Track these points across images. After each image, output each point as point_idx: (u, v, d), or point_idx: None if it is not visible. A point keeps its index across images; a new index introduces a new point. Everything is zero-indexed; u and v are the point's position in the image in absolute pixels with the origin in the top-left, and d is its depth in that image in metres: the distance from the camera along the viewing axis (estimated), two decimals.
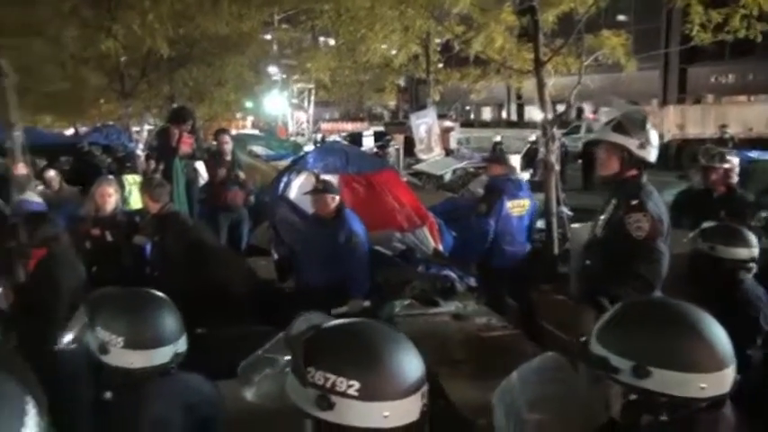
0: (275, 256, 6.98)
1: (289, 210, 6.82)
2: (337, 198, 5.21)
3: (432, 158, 11.51)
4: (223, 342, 3.95)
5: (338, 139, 26.82)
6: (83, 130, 19.83)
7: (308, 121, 34.17)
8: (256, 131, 28.30)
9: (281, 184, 7.14)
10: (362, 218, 7.20)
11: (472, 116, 39.88)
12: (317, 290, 4.94)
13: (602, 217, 3.24)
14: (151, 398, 1.85)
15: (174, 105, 10.33)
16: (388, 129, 28.20)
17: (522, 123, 34.01)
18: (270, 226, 7.08)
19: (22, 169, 5.68)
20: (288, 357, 1.37)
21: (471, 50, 9.39)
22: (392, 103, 40.77)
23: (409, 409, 1.25)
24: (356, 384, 1.21)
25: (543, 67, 8.10)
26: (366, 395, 1.22)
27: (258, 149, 14.98)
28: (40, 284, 4.09)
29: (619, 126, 3.10)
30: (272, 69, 27.06)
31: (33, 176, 5.91)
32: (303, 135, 31.18)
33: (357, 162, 7.51)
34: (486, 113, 41.19)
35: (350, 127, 40.47)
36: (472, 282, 6.28)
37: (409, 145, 13.27)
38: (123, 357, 1.85)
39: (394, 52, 13.08)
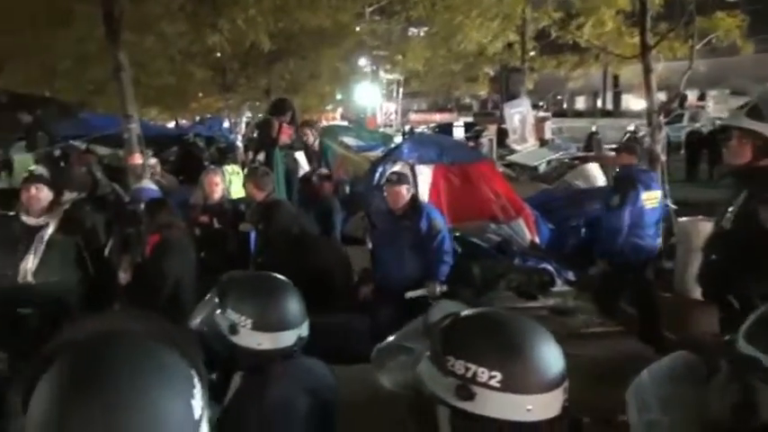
0: (369, 246, 7.06)
1: (383, 200, 6.87)
2: (411, 190, 5.09)
3: (525, 149, 11.23)
4: (324, 329, 4.03)
5: (426, 130, 26.87)
6: (182, 122, 20.87)
7: (396, 112, 34.40)
8: (345, 123, 28.74)
9: (377, 175, 7.18)
10: (457, 208, 7.19)
11: (565, 105, 38.65)
12: (398, 281, 4.89)
13: (731, 209, 2.99)
14: (276, 379, 1.89)
15: (273, 98, 10.62)
16: (478, 119, 27.86)
17: (618, 113, 32.61)
18: (364, 216, 7.14)
19: (137, 159, 6.04)
20: (421, 345, 1.35)
21: (578, 36, 9.03)
22: (482, 93, 40.21)
23: (552, 403, 1.20)
24: (498, 375, 1.17)
25: (650, 52, 7.68)
26: (509, 387, 1.17)
27: (349, 140, 15.09)
28: (150, 268, 4.35)
29: (754, 111, 2.84)
30: (362, 61, 27.38)
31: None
32: (391, 126, 31.39)
33: (452, 153, 7.46)
34: (580, 103, 39.78)
35: (438, 118, 40.34)
36: (570, 276, 6.09)
37: (501, 135, 13.06)
38: (252, 338, 1.90)
39: (489, 40, 12.80)
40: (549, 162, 10.82)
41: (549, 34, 11.98)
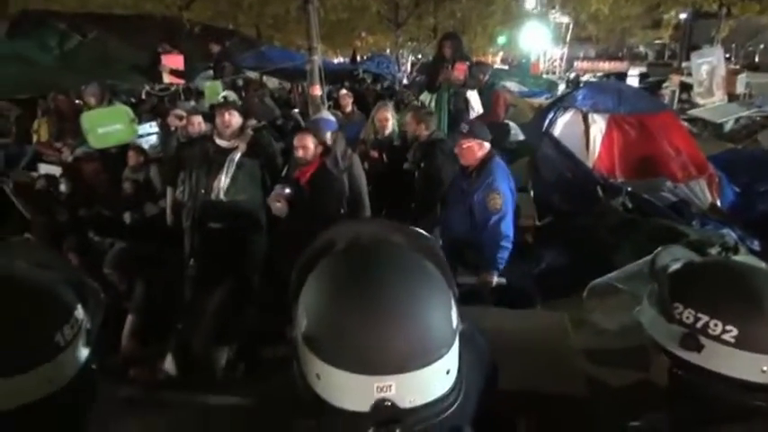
0: (531, 193, 6.89)
1: (552, 146, 6.63)
2: (487, 145, 4.13)
3: (711, 104, 10.18)
4: None
5: (593, 79, 25.25)
6: (339, 60, 21.23)
7: (561, 59, 32.59)
8: (506, 67, 27.76)
9: (546, 121, 6.95)
10: (631, 162, 6.76)
11: (757, 59, 34.34)
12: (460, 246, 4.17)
13: None
14: None
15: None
16: (652, 70, 25.64)
17: None
18: (529, 162, 6.95)
19: (317, 90, 6.31)
20: (642, 288, 1.29)
21: None
22: (657, 42, 36.89)
23: None
24: (734, 330, 1.10)
25: None
26: (744, 344, 1.10)
27: (512, 85, 14.70)
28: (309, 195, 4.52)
29: None
30: (531, 2, 26.06)
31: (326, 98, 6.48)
32: (554, 73, 29.89)
33: (631, 102, 6.95)
34: None
35: (607, 66, 37.69)
36: (756, 245, 5.53)
37: (684, 88, 11.91)
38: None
39: None
40: (737, 120, 9.75)
41: None
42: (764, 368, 1.09)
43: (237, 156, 4.63)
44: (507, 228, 4.07)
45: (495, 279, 4.00)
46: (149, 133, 7.90)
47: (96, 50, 8.64)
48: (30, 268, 1.09)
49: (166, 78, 8.02)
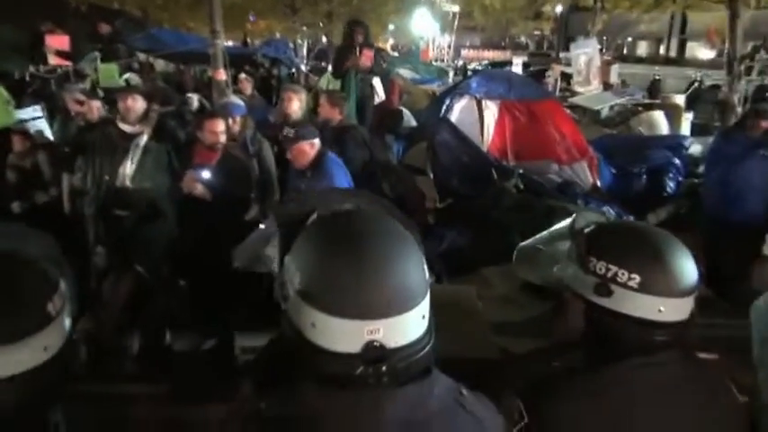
0: (431, 176, 7.20)
1: (449, 132, 6.94)
2: (317, 144, 4.13)
3: (589, 92, 11.02)
4: None
5: (478, 68, 26.25)
6: (228, 44, 20.61)
7: (449, 47, 33.58)
8: (396, 54, 28.22)
9: (443, 107, 7.25)
10: (521, 146, 7.23)
11: (625, 51, 37.16)
12: None
13: None
14: None
15: (341, 23, 10.54)
16: (532, 60, 27.06)
17: (683, 61, 31.25)
18: (428, 147, 7.23)
19: (222, 75, 6.23)
20: (561, 247, 1.52)
21: None
22: (537, 33, 38.89)
23: (682, 308, 1.36)
24: (637, 278, 1.33)
25: None
26: (645, 288, 1.33)
27: (405, 72, 15.01)
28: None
29: None
30: None
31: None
32: (443, 61, 30.76)
33: (520, 89, 7.41)
34: (642, 48, 38.15)
35: (491, 55, 39.31)
36: (632, 220, 6.14)
37: (565, 77, 12.79)
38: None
39: None
40: (612, 107, 10.63)
41: None
42: (661, 308, 1.34)
43: (143, 141, 4.53)
44: None
45: None
46: (34, 117, 7.42)
47: None
48: (12, 244, 1.13)
49: (52, 60, 7.55)
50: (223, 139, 4.38)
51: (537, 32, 37.12)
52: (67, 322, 1.13)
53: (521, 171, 6.49)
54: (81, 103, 5.01)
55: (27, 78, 9.33)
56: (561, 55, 23.02)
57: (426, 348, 1.04)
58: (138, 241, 4.44)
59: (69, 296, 1.17)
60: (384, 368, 0.98)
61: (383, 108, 7.42)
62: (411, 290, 1.02)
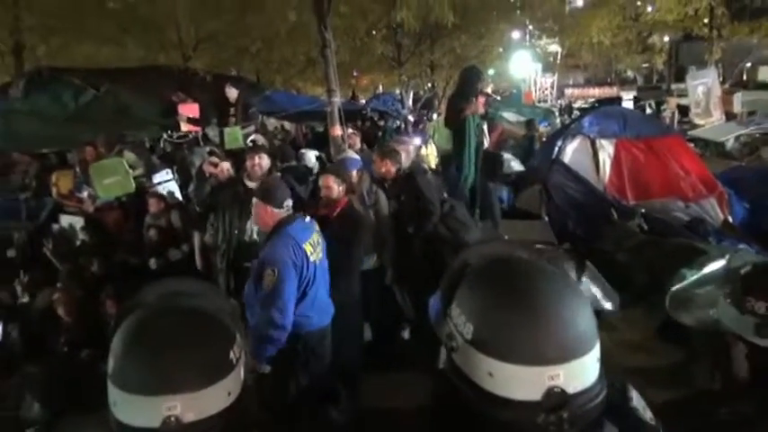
0: (546, 218, 7.04)
1: (563, 173, 6.81)
2: (274, 211, 3.72)
3: (710, 123, 10.43)
4: None
5: (585, 106, 25.60)
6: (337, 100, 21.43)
7: (551, 87, 33.13)
8: (498, 97, 28.14)
9: (555, 148, 7.13)
10: (641, 185, 6.93)
11: (744, 77, 34.98)
12: None
13: None
14: None
15: (450, 71, 10.66)
16: (642, 94, 26.10)
17: None
18: (541, 189, 7.11)
19: (338, 131, 6.50)
20: (716, 289, 1.45)
21: None
22: (645, 66, 37.54)
23: None
24: None
25: None
26: None
27: (509, 116, 14.95)
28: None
29: None
30: (517, 33, 26.51)
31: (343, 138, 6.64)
32: (546, 101, 30.36)
33: (637, 126, 7.18)
34: (764, 74, 35.75)
35: (597, 92, 38.28)
36: None
37: (682, 109, 12.20)
38: None
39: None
40: (737, 137, 9.99)
41: None
42: None
43: None
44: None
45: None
46: (166, 180, 8.06)
47: (110, 103, 8.82)
48: (196, 299, 1.24)
49: (184, 127, 8.23)
50: (334, 193, 4.50)
51: (645, 65, 35.81)
52: (243, 371, 1.19)
53: (643, 210, 6.22)
54: (215, 165, 5.41)
55: (161, 144, 10.22)
56: (673, 87, 22.07)
57: (602, 395, 1.01)
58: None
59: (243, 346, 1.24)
60: (565, 415, 0.96)
61: (485, 153, 7.39)
62: (586, 332, 1.00)
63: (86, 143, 7.71)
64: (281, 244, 3.58)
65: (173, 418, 1.06)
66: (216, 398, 1.11)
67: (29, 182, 9.09)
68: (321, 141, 9.68)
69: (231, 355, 1.15)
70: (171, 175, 8.21)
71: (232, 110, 7.88)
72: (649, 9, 12.98)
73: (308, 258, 3.63)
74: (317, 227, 3.86)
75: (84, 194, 7.33)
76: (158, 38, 11.41)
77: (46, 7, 11.15)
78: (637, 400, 1.13)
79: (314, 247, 3.72)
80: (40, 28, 11.68)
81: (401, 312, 5.40)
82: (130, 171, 7.23)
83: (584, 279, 4.78)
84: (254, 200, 3.85)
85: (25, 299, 6.05)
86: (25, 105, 8.56)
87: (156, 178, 7.93)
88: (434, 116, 15.17)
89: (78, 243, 7.05)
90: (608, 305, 4.74)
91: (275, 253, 3.55)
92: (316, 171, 6.74)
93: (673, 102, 12.85)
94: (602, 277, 4.90)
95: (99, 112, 8.75)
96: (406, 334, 5.49)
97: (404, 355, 5.07)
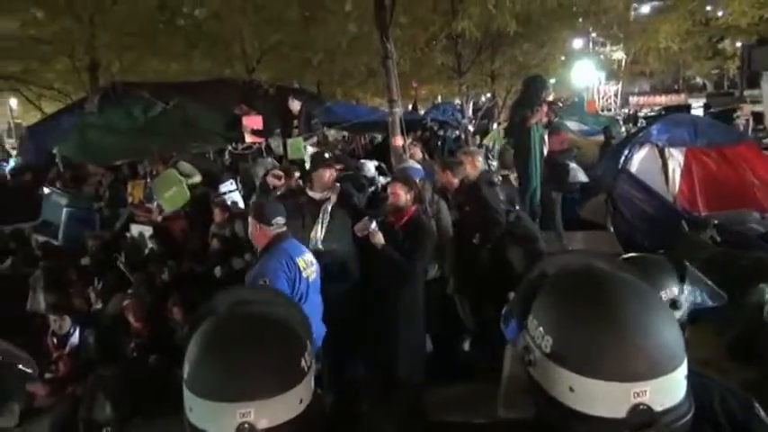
0: (611, 229, 6.84)
1: (630, 183, 6.60)
2: (265, 228, 3.85)
3: None
4: None
5: (651, 114, 24.79)
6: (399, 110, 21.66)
7: (615, 95, 32.27)
8: (560, 105, 27.61)
9: (622, 157, 6.92)
10: (713, 195, 6.66)
11: None
12: None
13: None
14: None
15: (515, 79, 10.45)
16: (713, 101, 25.09)
17: None
18: (606, 200, 6.92)
19: (399, 141, 6.54)
20: None
21: None
22: (715, 72, 36.12)
23: None
24: None
25: None
26: None
27: (572, 125, 14.66)
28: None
29: None
30: (578, 41, 25.93)
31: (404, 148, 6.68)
32: (610, 110, 29.57)
33: (708, 133, 6.89)
34: None
35: (664, 100, 37.11)
36: None
37: (757, 117, 11.65)
38: None
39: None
40: None
41: None
42: None
43: (330, 206, 4.83)
44: None
45: None
46: (230, 190, 8.30)
47: (178, 116, 9.17)
48: (268, 308, 1.26)
49: (248, 138, 8.44)
50: (402, 201, 4.50)
51: (715, 71, 34.45)
52: (313, 379, 1.20)
53: (716, 222, 5.96)
54: (279, 178, 5.52)
55: (226, 156, 10.52)
56: (746, 93, 21.14)
57: (690, 413, 0.96)
58: (329, 300, 4.67)
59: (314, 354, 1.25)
60: None
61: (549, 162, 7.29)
62: (673, 347, 0.96)
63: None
64: (274, 258, 3.72)
65: (246, 425, 1.06)
66: (289, 405, 1.11)
67: (103, 192, 9.52)
68: (381, 151, 9.75)
69: (303, 362, 1.16)
70: (235, 186, 8.44)
71: (295, 121, 8.03)
72: (720, 13, 12.39)
73: (300, 273, 3.76)
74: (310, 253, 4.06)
75: (153, 204, 7.61)
76: (224, 51, 11.77)
77: (120, 25, 11.69)
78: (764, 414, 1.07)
79: (307, 264, 3.88)
80: (115, 45, 12.25)
81: (461, 323, 5.36)
82: (183, 179, 7.49)
83: (686, 283, 4.59)
84: (249, 218, 4.01)
85: (99, 305, 6.31)
86: (100, 119, 8.99)
87: (221, 188, 8.17)
88: (494, 125, 15.04)
89: (147, 251, 7.34)
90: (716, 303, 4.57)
91: (268, 265, 3.69)
92: (376, 181, 6.78)
93: (746, 108, 12.28)
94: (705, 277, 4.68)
95: (167, 124, 9.11)
96: (466, 345, 5.42)
97: (465, 366, 5.02)
